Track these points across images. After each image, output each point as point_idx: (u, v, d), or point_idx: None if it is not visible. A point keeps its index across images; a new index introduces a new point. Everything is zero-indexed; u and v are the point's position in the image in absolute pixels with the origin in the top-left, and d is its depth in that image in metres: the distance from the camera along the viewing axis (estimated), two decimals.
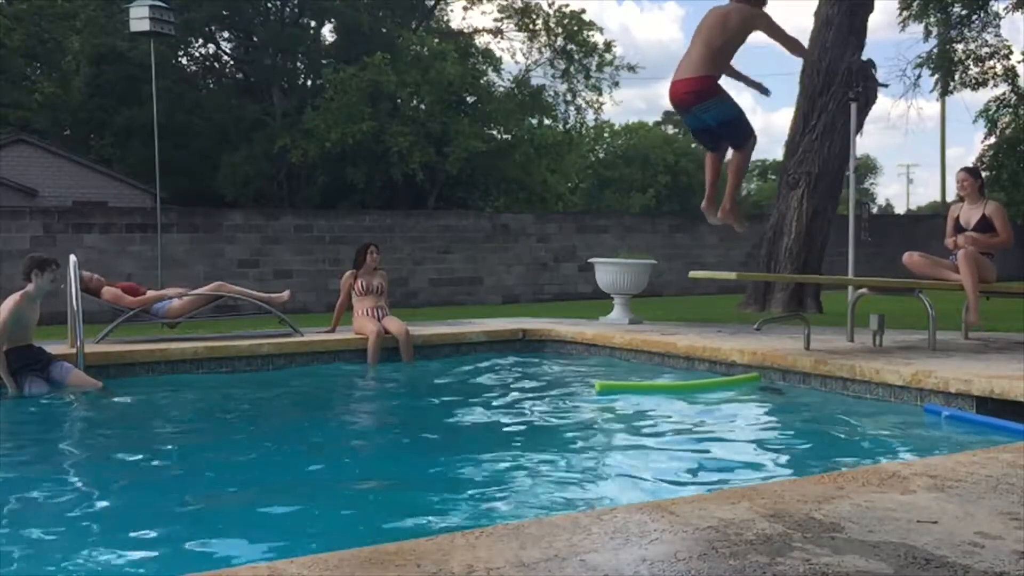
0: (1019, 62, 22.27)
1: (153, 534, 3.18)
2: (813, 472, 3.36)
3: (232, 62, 29.03)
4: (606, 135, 43.04)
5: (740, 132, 5.80)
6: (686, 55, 5.78)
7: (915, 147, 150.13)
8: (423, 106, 24.07)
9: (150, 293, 7.65)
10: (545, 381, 6.81)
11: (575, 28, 26.63)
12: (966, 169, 7.19)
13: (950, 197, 29.56)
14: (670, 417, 5.12)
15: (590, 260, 10.09)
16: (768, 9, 5.75)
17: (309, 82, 27.28)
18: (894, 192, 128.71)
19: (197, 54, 28.66)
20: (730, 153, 6.02)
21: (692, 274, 6.87)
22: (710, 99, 5.66)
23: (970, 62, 21.79)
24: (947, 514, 2.37)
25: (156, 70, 12.27)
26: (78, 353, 6.37)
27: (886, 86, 16.53)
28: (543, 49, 27.24)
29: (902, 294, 6.88)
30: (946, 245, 7.05)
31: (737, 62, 5.96)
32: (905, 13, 21.23)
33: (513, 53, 28.37)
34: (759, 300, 11.97)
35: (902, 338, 6.89)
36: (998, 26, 21.68)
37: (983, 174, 7.94)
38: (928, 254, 7.04)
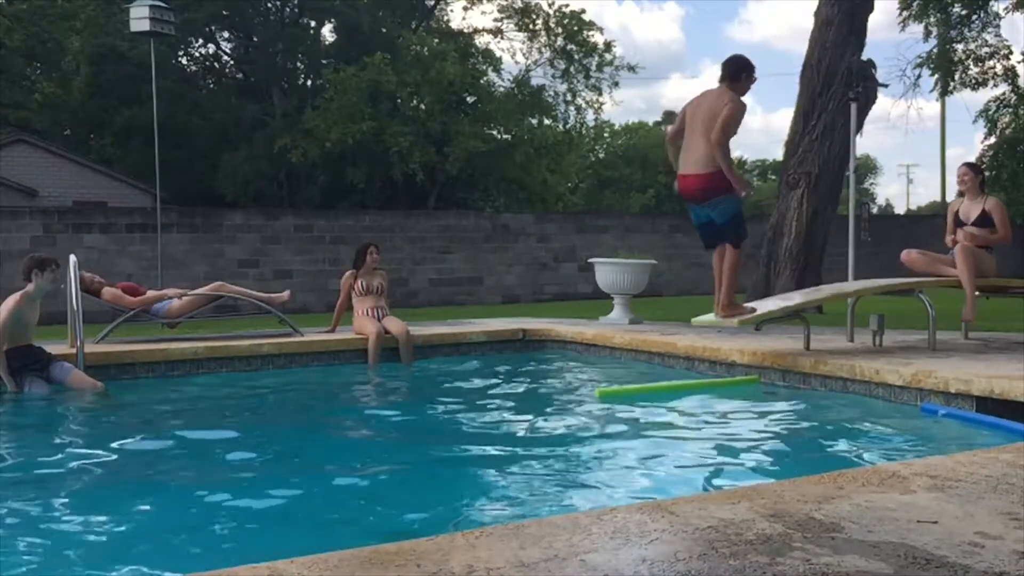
0: (1019, 62, 22.28)
1: (153, 534, 3.18)
2: (813, 472, 3.36)
3: (232, 62, 29.03)
4: (606, 135, 43.02)
5: (739, 229, 5.91)
6: (690, 145, 5.85)
7: (915, 147, 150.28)
8: (423, 106, 24.06)
9: (150, 293, 7.65)
10: (545, 381, 6.81)
11: (575, 28, 26.63)
12: (968, 164, 7.21)
13: (950, 197, 29.52)
14: (670, 418, 5.13)
15: (590, 260, 10.09)
16: (738, 104, 5.79)
17: (309, 82, 27.27)
18: (894, 192, 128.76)
19: (197, 54, 28.67)
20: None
21: (695, 321, 6.61)
22: (719, 196, 5.78)
23: (970, 62, 21.78)
24: (947, 514, 2.37)
25: (156, 70, 12.26)
26: (78, 353, 6.37)
27: (886, 86, 16.49)
28: (543, 49, 27.24)
29: (902, 294, 6.88)
30: (946, 242, 7.05)
31: None
32: (905, 13, 21.23)
33: (513, 53, 28.40)
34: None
35: (902, 338, 6.89)
36: (998, 26, 21.70)
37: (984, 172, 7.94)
38: (927, 251, 7.04)
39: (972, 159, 24.61)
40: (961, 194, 7.15)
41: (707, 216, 5.93)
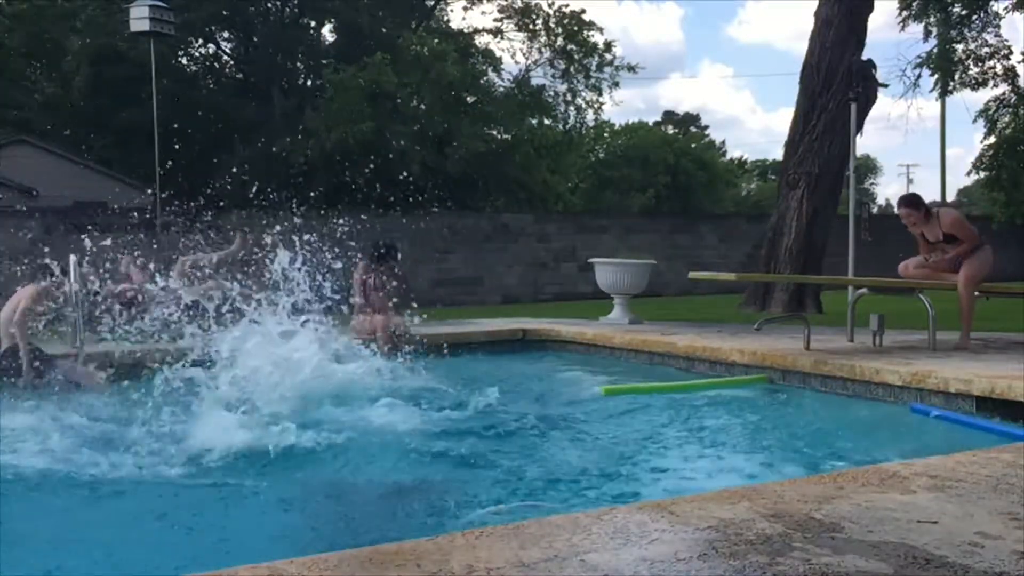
0: (1019, 62, 22.28)
1: (153, 533, 3.18)
2: (813, 472, 3.36)
3: (232, 62, 29.03)
4: (606, 135, 43.00)
5: None
6: None
7: (915, 147, 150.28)
8: (423, 106, 24.07)
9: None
10: (545, 381, 6.81)
11: (575, 28, 26.64)
12: (905, 202, 6.84)
13: (950, 197, 29.58)
14: (671, 418, 5.12)
15: (590, 260, 10.08)
16: None
17: (309, 82, 27.28)
18: (894, 192, 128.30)
19: (197, 54, 28.65)
20: None
21: (692, 275, 6.88)
22: None
23: (970, 62, 21.79)
24: (947, 514, 2.37)
25: (156, 70, 12.28)
26: (78, 352, 6.37)
27: (886, 86, 16.47)
28: (543, 49, 27.25)
29: (902, 294, 6.88)
30: (923, 257, 6.88)
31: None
32: (905, 13, 21.24)
33: (513, 53, 28.42)
34: (759, 300, 11.97)
35: (902, 338, 6.89)
36: (998, 26, 21.71)
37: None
38: (923, 265, 6.79)
39: (972, 159, 24.60)
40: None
41: None
